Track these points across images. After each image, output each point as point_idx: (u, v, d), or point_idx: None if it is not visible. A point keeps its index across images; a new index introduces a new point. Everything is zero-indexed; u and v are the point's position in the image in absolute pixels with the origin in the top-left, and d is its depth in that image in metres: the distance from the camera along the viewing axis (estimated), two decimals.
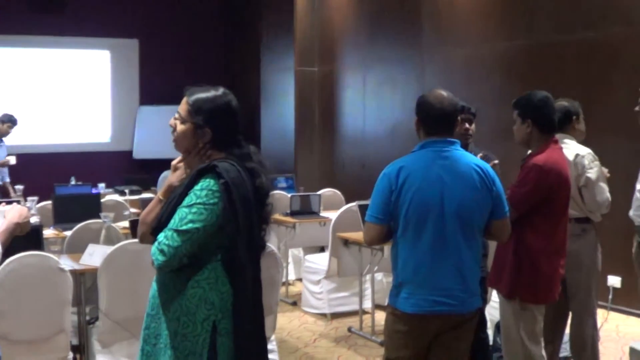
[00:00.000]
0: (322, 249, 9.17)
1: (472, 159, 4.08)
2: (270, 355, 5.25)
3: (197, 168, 3.27)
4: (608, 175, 5.75)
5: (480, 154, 5.13)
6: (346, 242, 7.64)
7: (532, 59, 9.67)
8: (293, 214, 9.03)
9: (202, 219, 3.14)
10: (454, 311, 3.97)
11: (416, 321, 3.99)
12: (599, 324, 5.82)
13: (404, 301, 4.00)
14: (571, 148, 5.31)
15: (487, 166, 4.11)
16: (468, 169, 3.99)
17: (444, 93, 4.11)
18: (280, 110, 15.59)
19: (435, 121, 4.06)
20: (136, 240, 5.56)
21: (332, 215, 8.43)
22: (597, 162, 5.51)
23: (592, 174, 5.42)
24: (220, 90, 3.41)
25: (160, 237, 3.15)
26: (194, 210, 3.14)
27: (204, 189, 3.18)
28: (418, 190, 3.92)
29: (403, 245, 4.02)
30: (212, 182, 3.19)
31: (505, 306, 4.72)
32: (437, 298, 3.94)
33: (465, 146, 5.14)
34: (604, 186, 5.54)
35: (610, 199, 5.57)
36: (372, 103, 12.84)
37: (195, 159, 3.36)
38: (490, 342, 6.26)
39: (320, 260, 8.36)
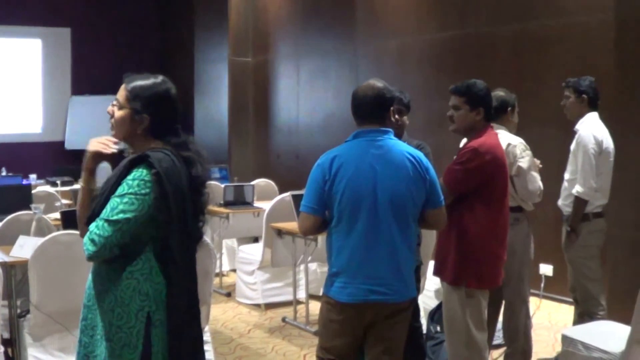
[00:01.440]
0: (256, 240, 9.16)
1: (405, 148, 4.09)
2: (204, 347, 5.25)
3: (128, 158, 3.23)
4: (540, 165, 5.84)
5: (415, 143, 5.16)
6: (280, 233, 7.61)
7: (464, 50, 9.77)
8: (227, 204, 9.00)
9: (133, 209, 3.09)
10: (388, 300, 3.99)
11: (350, 310, 4.01)
12: (531, 312, 5.91)
13: (338, 290, 4.02)
14: (503, 138, 5.36)
15: (421, 155, 4.12)
16: (401, 157, 4.01)
17: (378, 83, 4.13)
18: (214, 101, 15.54)
19: (368, 110, 4.08)
20: (68, 231, 5.51)
21: (266, 205, 8.42)
22: (528, 152, 5.58)
23: (523, 163, 5.48)
24: (160, 78, 3.37)
25: (92, 226, 3.11)
26: (125, 200, 3.10)
27: (136, 179, 3.13)
28: (351, 179, 3.94)
29: (337, 234, 4.03)
30: (144, 172, 3.15)
31: (450, 294, 4.71)
32: (372, 287, 3.96)
33: (398, 137, 5.16)
34: (536, 175, 5.61)
35: (542, 187, 5.65)
36: (306, 93, 12.85)
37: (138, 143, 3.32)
38: (424, 331, 6.31)
39: (254, 251, 8.34)
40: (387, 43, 11.08)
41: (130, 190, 3.12)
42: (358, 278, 3.96)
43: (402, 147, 4.07)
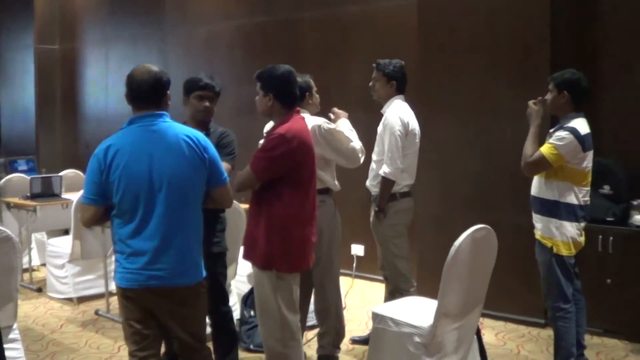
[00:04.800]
0: (66, 232, 8.91)
1: (181, 130, 4.09)
2: (12, 345, 5.09)
3: None
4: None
5: (220, 130, 5.15)
6: None
7: (272, 35, 9.85)
8: (33, 197, 8.69)
9: None
10: (170, 284, 4.00)
11: (134, 295, 4.03)
12: (344, 292, 6.00)
13: (121, 276, 4.03)
14: (307, 121, 5.41)
15: (198, 135, 4.14)
16: (176, 140, 4.01)
17: (153, 67, 4.12)
18: (19, 90, 14.94)
19: (145, 95, 4.05)
20: None
21: (75, 196, 8.19)
22: (332, 125, 5.68)
23: (329, 132, 5.59)
24: None
25: None
26: None
27: None
28: (126, 167, 3.92)
29: (119, 222, 4.02)
30: None
31: (261, 278, 4.74)
32: (153, 272, 3.96)
33: (205, 124, 5.14)
34: (347, 135, 5.72)
35: (360, 145, 5.79)
36: (115, 81, 12.60)
37: None
38: (238, 316, 6.33)
39: (64, 244, 8.13)
40: (196, 29, 11.02)
41: None
42: (139, 264, 3.96)
43: (177, 129, 4.07)
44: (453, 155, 7.48)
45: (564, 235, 5.38)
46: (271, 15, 9.91)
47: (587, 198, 5.49)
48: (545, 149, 5.31)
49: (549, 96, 5.57)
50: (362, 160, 5.82)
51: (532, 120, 5.55)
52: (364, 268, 8.83)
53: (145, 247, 3.95)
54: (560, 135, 5.30)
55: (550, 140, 5.34)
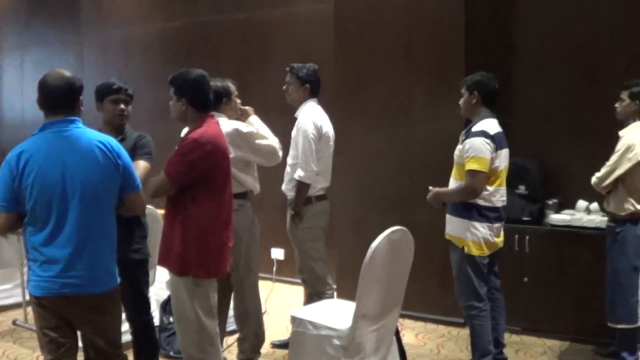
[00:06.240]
0: None
1: (94, 136, 4.04)
2: None
3: None
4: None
5: (135, 135, 5.09)
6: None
7: (190, 39, 9.81)
8: None
9: None
10: (84, 292, 3.95)
11: (49, 304, 3.96)
12: (265, 296, 5.98)
13: (35, 285, 3.95)
14: (225, 125, 5.39)
15: (111, 141, 4.09)
16: (90, 146, 3.96)
17: (66, 72, 4.06)
18: None
19: (59, 100, 3.99)
20: None
21: None
22: (250, 128, 5.68)
23: (249, 134, 5.58)
24: None
25: None
26: None
27: None
28: (39, 173, 3.86)
29: (31, 230, 3.95)
30: None
31: (177, 284, 4.69)
32: (66, 280, 3.90)
33: (121, 127, 5.08)
34: (263, 134, 5.74)
35: (277, 141, 5.80)
36: (32, 86, 12.26)
37: None
38: (157, 323, 6.26)
39: None
40: (113, 33, 10.90)
41: None
42: (52, 272, 3.90)
43: (90, 135, 4.02)
44: (369, 157, 7.53)
45: (474, 235, 5.45)
46: (190, 19, 9.86)
47: (504, 198, 5.57)
48: (472, 165, 5.35)
49: (461, 100, 5.66)
50: (281, 155, 5.84)
51: (441, 200, 5.69)
52: (284, 272, 8.83)
53: (58, 254, 3.89)
54: (470, 144, 5.37)
55: (467, 155, 5.38)
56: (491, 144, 5.34)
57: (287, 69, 6.31)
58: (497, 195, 5.49)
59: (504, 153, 5.53)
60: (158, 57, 10.19)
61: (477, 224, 5.44)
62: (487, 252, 5.51)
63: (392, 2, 7.39)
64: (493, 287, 5.75)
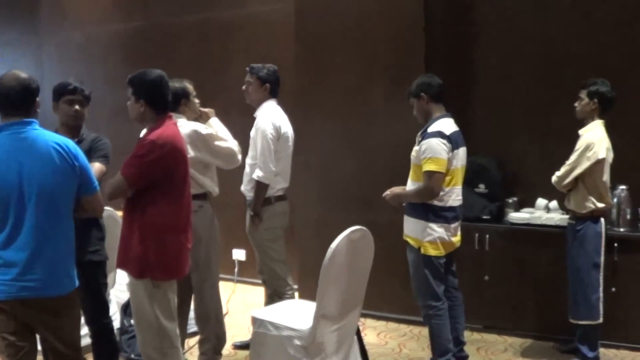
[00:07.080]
0: None
1: (51, 137, 4.00)
2: None
3: None
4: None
5: (92, 136, 5.04)
6: None
7: (149, 40, 9.75)
8: None
9: None
10: (42, 295, 3.91)
11: (7, 307, 3.92)
12: (226, 297, 5.95)
13: None
14: (184, 126, 5.36)
15: (69, 142, 4.06)
16: (47, 148, 3.93)
17: (22, 73, 4.03)
18: None
19: (14, 102, 3.95)
20: None
21: None
22: (210, 130, 5.67)
23: (208, 136, 5.57)
24: None
25: None
26: None
27: None
28: None
29: None
30: None
31: (136, 286, 4.64)
32: (24, 283, 3.86)
33: (77, 128, 5.03)
34: (223, 137, 5.72)
35: (236, 144, 5.78)
36: None
37: None
38: (118, 325, 6.22)
39: None
40: (72, 33, 10.80)
41: None
42: (9, 275, 3.86)
43: (47, 137, 3.98)
44: (329, 157, 7.53)
45: (430, 236, 5.48)
46: (148, 19, 9.80)
47: (460, 197, 5.59)
48: (430, 166, 5.37)
49: (414, 110, 5.69)
50: (240, 159, 5.82)
51: (400, 201, 5.73)
52: (245, 273, 8.80)
53: (16, 258, 3.85)
54: (427, 145, 5.40)
55: (424, 156, 5.41)
56: (447, 144, 5.37)
57: (247, 69, 6.30)
58: (452, 195, 5.52)
59: (461, 152, 5.56)
60: (118, 58, 10.11)
61: (434, 225, 5.47)
62: (444, 252, 5.54)
63: (352, 4, 7.41)
64: (451, 286, 5.78)
